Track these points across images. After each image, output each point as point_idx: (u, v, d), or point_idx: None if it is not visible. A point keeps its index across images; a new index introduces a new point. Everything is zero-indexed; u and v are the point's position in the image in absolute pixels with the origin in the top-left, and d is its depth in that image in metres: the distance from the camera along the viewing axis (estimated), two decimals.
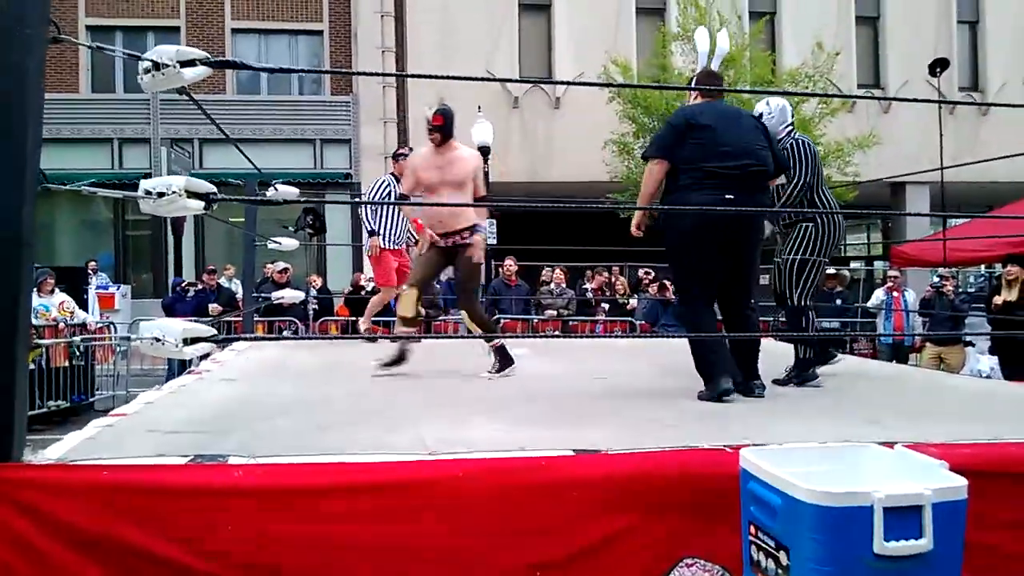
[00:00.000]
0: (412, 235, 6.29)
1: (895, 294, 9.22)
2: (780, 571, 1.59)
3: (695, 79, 3.81)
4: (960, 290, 8.69)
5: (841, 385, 3.98)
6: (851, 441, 2.02)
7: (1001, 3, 17.24)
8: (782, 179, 3.89)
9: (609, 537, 2.10)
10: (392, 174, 5.94)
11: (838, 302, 9.62)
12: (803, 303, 4.06)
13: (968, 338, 8.14)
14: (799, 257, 4.03)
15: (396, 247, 5.87)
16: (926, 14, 17.04)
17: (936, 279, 8.82)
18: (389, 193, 5.77)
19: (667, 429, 2.65)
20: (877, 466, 1.76)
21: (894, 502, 1.49)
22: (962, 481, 1.55)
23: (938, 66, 9.51)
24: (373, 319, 6.24)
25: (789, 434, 2.47)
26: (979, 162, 6.05)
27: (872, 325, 9.78)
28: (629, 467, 2.18)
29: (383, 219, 5.82)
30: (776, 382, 3.83)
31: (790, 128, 4.12)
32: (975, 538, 1.67)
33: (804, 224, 4.05)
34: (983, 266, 11.16)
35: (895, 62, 16.90)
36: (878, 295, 9.61)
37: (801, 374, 3.91)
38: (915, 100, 3.21)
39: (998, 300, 6.89)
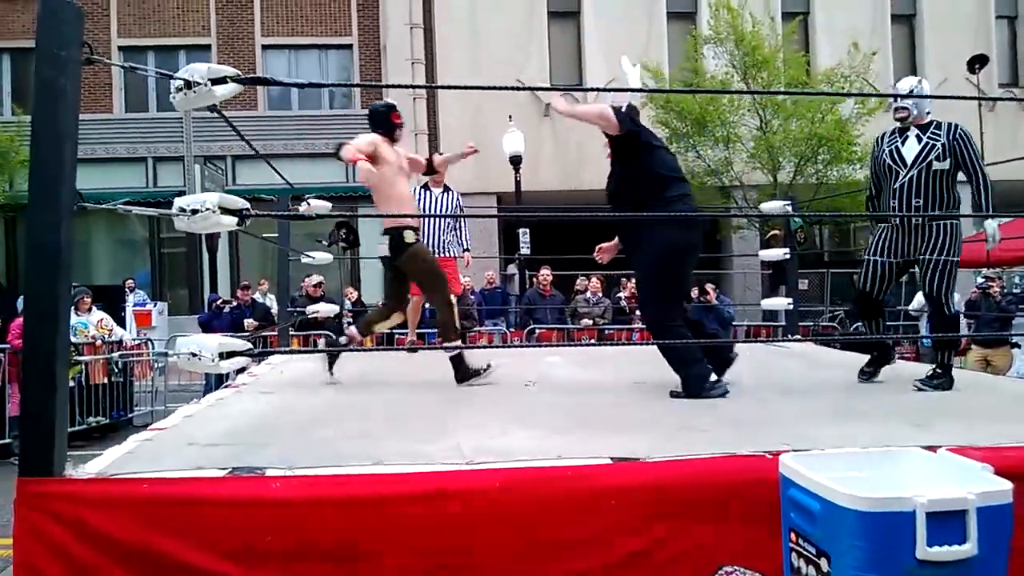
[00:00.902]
0: (462, 244, 6.33)
1: None
2: None
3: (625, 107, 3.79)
4: (1006, 291, 8.44)
5: (882, 388, 3.89)
6: (893, 445, 1.97)
7: None
8: (946, 164, 3.72)
9: (648, 546, 2.08)
10: (425, 186, 6.00)
11: None
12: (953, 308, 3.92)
13: (1015, 339, 7.92)
14: (953, 259, 3.78)
15: (436, 255, 5.91)
16: (964, 10, 16.70)
17: (981, 280, 8.59)
18: (421, 203, 5.83)
19: (703, 435, 2.62)
20: (920, 470, 1.72)
21: (937, 507, 1.45)
22: (1007, 485, 1.50)
23: (977, 62, 9.31)
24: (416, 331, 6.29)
25: (827, 438, 2.42)
26: (1021, 159, 5.90)
27: (915, 328, 9.55)
28: (668, 475, 2.16)
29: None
30: (924, 383, 3.75)
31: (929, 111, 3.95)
32: (1021, 543, 1.61)
33: (948, 222, 3.79)
34: None
35: (933, 60, 16.56)
36: (919, 298, 9.38)
37: (949, 379, 3.77)
38: (954, 97, 3.22)
39: None
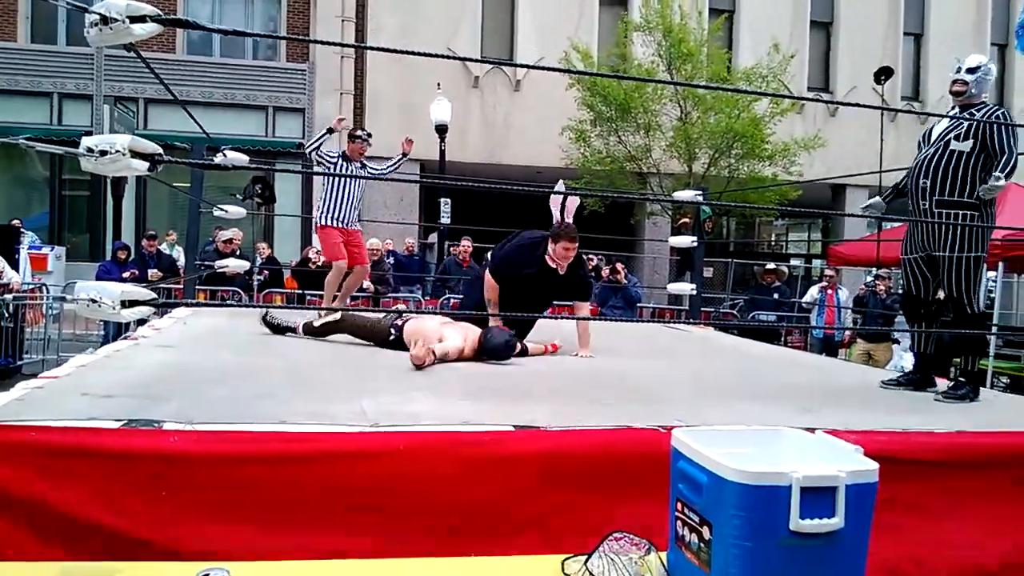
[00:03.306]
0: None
1: (829, 291, 9.55)
2: (702, 545, 1.66)
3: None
4: (893, 290, 9.03)
5: (773, 374, 4.13)
6: (776, 425, 2.12)
7: (943, 19, 17.87)
8: (967, 145, 3.35)
9: (544, 510, 2.17)
10: (344, 153, 5.88)
11: (776, 296, 9.92)
12: (978, 308, 3.51)
13: (895, 335, 8.49)
14: (973, 254, 3.41)
15: (343, 225, 5.83)
16: (875, 24, 17.53)
17: (870, 279, 9.15)
18: (338, 170, 5.72)
19: (603, 407, 2.72)
20: (798, 449, 1.85)
21: (810, 483, 1.56)
22: (874, 465, 1.64)
23: (883, 74, 9.83)
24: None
25: (718, 416, 2.58)
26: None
27: (806, 320, 10.12)
28: (566, 443, 2.25)
29: (327, 196, 5.80)
30: (947, 396, 3.45)
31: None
32: (882, 519, 1.77)
33: (968, 212, 3.39)
34: None
35: (845, 68, 17.35)
36: (813, 292, 9.94)
37: (975, 388, 3.47)
38: (860, 105, 3.33)
39: None
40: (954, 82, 3.53)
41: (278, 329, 4.73)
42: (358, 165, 5.88)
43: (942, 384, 3.70)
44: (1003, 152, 3.31)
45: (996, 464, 2.48)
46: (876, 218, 3.86)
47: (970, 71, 3.49)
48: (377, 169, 6.01)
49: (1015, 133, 3.40)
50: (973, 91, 3.48)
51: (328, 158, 5.76)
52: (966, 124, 3.38)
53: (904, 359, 7.87)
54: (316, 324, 4.64)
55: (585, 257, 5.32)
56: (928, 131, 3.64)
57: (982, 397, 3.49)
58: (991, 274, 8.93)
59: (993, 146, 3.34)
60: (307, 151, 5.88)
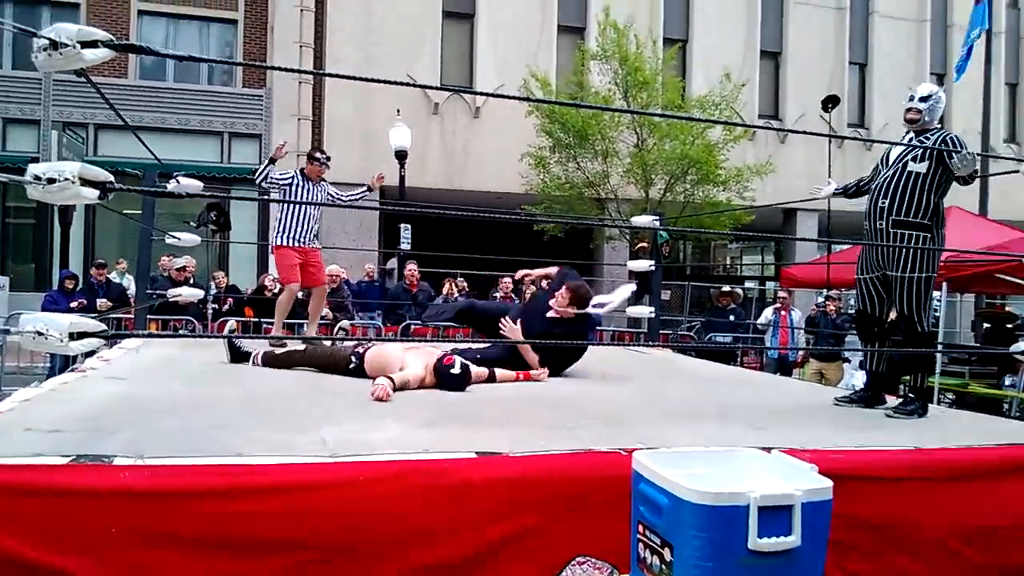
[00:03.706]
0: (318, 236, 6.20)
1: (783, 312, 9.76)
2: (664, 567, 1.67)
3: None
4: (842, 311, 9.26)
5: (730, 395, 4.19)
6: (734, 445, 2.15)
7: (886, 49, 18.63)
8: (923, 166, 3.47)
9: (507, 536, 2.15)
10: (302, 170, 5.82)
11: (731, 318, 10.10)
12: (928, 327, 3.58)
13: (846, 354, 8.70)
14: (924, 275, 3.51)
15: (300, 245, 5.76)
16: (823, 53, 18.17)
17: (821, 299, 9.38)
18: (295, 189, 5.66)
19: (565, 432, 2.73)
20: (755, 469, 1.88)
21: (768, 502, 1.59)
22: (828, 483, 1.67)
23: (830, 102, 10.20)
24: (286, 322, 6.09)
25: (677, 438, 2.60)
26: (863, 195, 6.47)
27: (761, 340, 10.30)
28: (529, 469, 2.24)
29: (284, 215, 5.73)
30: (898, 412, 3.53)
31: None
32: (837, 536, 1.80)
33: (921, 234, 3.50)
34: None
35: (793, 96, 17.91)
36: (767, 314, 10.15)
37: (923, 405, 3.57)
38: (809, 133, 3.43)
39: None
40: (908, 110, 3.70)
41: (238, 354, 4.63)
42: (316, 184, 5.83)
43: (892, 401, 3.80)
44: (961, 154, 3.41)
45: (945, 479, 2.54)
46: (826, 241, 4.00)
47: (923, 99, 3.66)
48: (339, 196, 5.97)
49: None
50: (926, 118, 3.65)
51: (281, 181, 5.69)
52: (923, 148, 3.52)
53: (855, 377, 8.06)
54: (278, 352, 4.57)
55: (541, 285, 5.36)
56: (886, 154, 3.77)
57: (930, 413, 3.60)
58: (936, 294, 9.21)
59: (949, 162, 3.45)
60: (256, 182, 5.81)
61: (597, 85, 14.16)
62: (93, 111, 14.48)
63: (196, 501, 1.98)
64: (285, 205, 5.71)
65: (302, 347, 4.71)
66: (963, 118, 16.54)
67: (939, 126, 3.72)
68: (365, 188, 5.98)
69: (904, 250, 3.52)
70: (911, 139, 3.66)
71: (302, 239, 5.74)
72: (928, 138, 3.59)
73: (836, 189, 4.21)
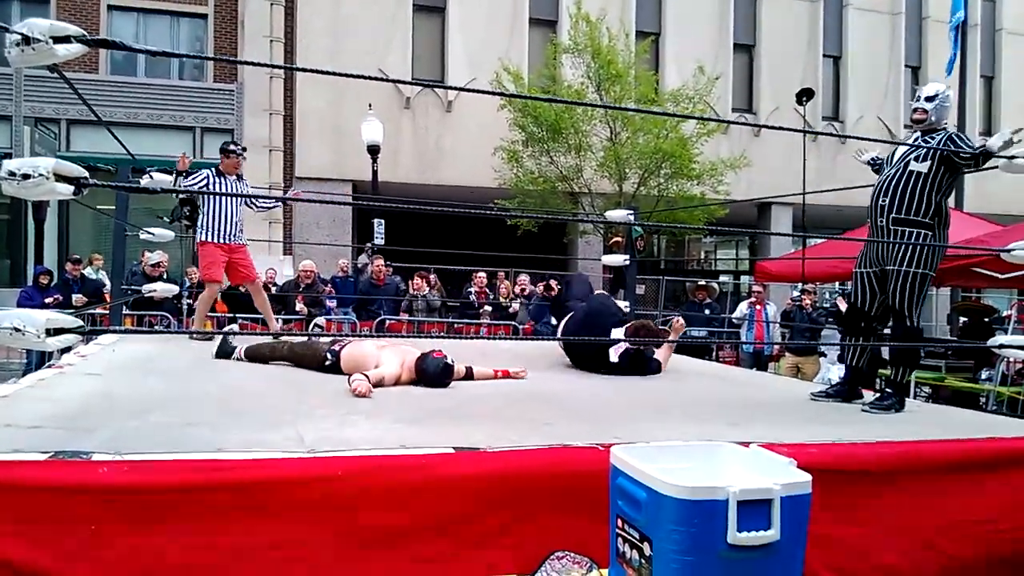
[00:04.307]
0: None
1: (758, 307, 9.87)
2: (643, 561, 1.69)
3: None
4: (818, 305, 9.38)
5: (706, 389, 4.24)
6: (712, 440, 2.18)
7: (860, 41, 18.81)
8: (924, 166, 3.48)
9: (486, 532, 2.16)
10: (216, 167, 5.76)
11: (707, 312, 10.19)
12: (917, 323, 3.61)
13: (822, 348, 8.82)
14: (921, 271, 3.52)
15: (224, 242, 5.70)
16: (796, 46, 18.32)
17: (796, 294, 9.49)
18: (211, 188, 5.61)
19: (542, 427, 2.74)
20: (733, 463, 1.91)
21: (747, 496, 1.62)
22: (807, 477, 1.70)
23: (804, 95, 10.29)
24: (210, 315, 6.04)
25: (658, 434, 2.63)
26: (837, 189, 6.57)
27: (736, 335, 10.41)
28: (507, 465, 2.25)
29: (206, 211, 5.66)
30: (874, 407, 3.57)
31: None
32: (816, 529, 1.84)
33: (922, 231, 3.53)
34: (837, 283, 12.14)
35: (767, 89, 18.05)
36: (742, 308, 10.25)
37: (900, 400, 3.61)
38: (783, 128, 3.46)
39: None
40: (914, 110, 3.69)
41: (225, 353, 4.64)
42: (233, 179, 5.76)
43: (869, 395, 3.86)
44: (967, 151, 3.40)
45: (923, 472, 2.59)
46: (801, 236, 4.03)
47: (928, 99, 3.64)
48: (255, 202, 5.93)
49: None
50: (933, 118, 3.64)
51: (196, 183, 5.59)
52: (928, 147, 3.51)
53: (831, 371, 8.18)
54: (246, 348, 4.59)
55: (524, 277, 5.37)
56: (891, 153, 3.79)
57: (907, 407, 3.65)
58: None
59: (958, 161, 3.45)
60: (175, 197, 5.74)
61: (570, 79, 14.17)
62: (65, 106, 14.27)
63: (174, 497, 1.98)
64: (204, 202, 5.65)
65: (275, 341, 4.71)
66: None
67: (945, 126, 3.70)
68: (277, 202, 5.92)
69: (903, 246, 3.53)
70: (917, 139, 3.66)
71: (227, 235, 5.68)
72: (934, 138, 3.59)
73: (869, 159, 4.11)
